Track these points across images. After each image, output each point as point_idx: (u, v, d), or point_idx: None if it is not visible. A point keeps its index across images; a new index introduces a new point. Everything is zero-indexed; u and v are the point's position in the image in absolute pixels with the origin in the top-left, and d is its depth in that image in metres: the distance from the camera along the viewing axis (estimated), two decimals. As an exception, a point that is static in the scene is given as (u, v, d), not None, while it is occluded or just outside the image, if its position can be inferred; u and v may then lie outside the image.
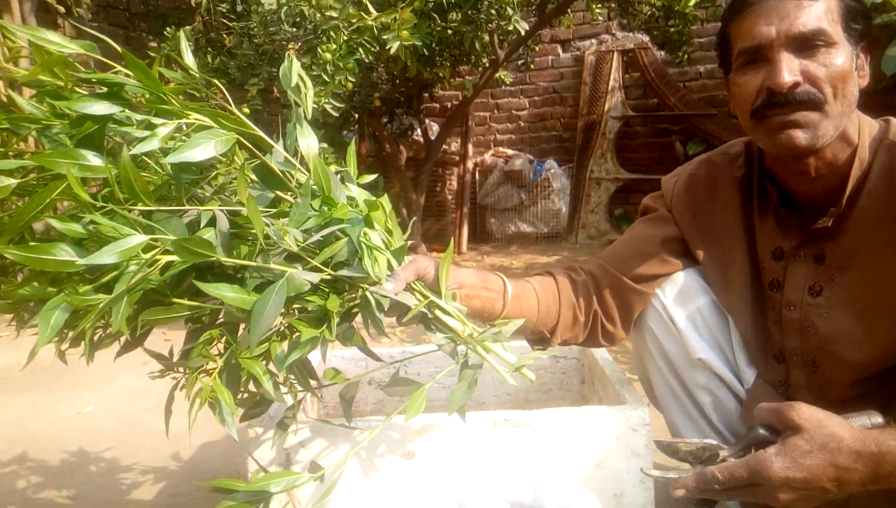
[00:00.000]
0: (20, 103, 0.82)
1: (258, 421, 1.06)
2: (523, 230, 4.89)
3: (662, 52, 4.60)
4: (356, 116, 3.71)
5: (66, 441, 1.80)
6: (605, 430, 1.04)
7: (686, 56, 3.95)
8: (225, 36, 2.78)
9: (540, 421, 1.05)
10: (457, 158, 5.11)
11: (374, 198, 0.92)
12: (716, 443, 0.80)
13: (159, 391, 2.15)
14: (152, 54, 2.61)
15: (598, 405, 1.18)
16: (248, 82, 2.51)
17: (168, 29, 2.67)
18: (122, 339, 0.83)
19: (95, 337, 0.81)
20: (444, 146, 4.68)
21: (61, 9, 3.29)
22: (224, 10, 2.75)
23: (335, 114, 2.11)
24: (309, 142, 0.92)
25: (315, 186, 0.88)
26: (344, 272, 0.84)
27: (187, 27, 2.62)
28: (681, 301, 1.03)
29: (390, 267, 0.89)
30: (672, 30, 3.85)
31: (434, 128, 4.90)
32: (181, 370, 0.88)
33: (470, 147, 4.97)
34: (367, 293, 0.85)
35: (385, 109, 3.95)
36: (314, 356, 1.26)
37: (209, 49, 2.63)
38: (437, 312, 0.92)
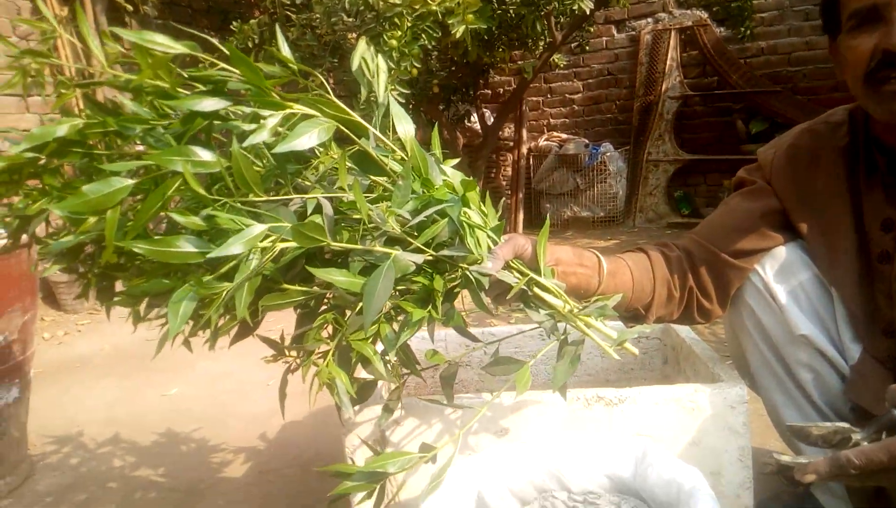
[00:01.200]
0: (127, 106, 0.85)
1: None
2: (579, 215, 4.84)
3: (722, 29, 4.47)
4: (412, 103, 3.73)
5: (154, 423, 1.88)
6: (701, 407, 1.03)
7: (749, 31, 3.82)
8: (288, 28, 2.82)
9: (633, 399, 1.05)
10: (511, 143, 5.09)
11: (468, 178, 0.93)
12: (848, 426, 0.77)
13: (238, 374, 2.22)
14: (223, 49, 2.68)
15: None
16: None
17: (234, 23, 2.73)
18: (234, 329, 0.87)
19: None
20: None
21: (129, 7, 3.40)
22: (286, 3, 2.79)
23: (402, 101, 2.13)
24: (405, 126, 0.93)
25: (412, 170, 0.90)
26: (447, 252, 0.85)
27: (253, 21, 2.67)
28: (782, 276, 1.01)
29: (488, 246, 0.90)
30: (733, 4, 3.73)
31: (487, 114, 4.89)
32: (292, 354, 0.91)
33: (524, 132, 4.93)
34: (468, 273, 0.86)
35: (443, 95, 3.96)
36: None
37: (273, 42, 2.69)
38: (537, 289, 0.92)
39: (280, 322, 0.94)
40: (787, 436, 1.12)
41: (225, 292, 0.77)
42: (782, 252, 1.02)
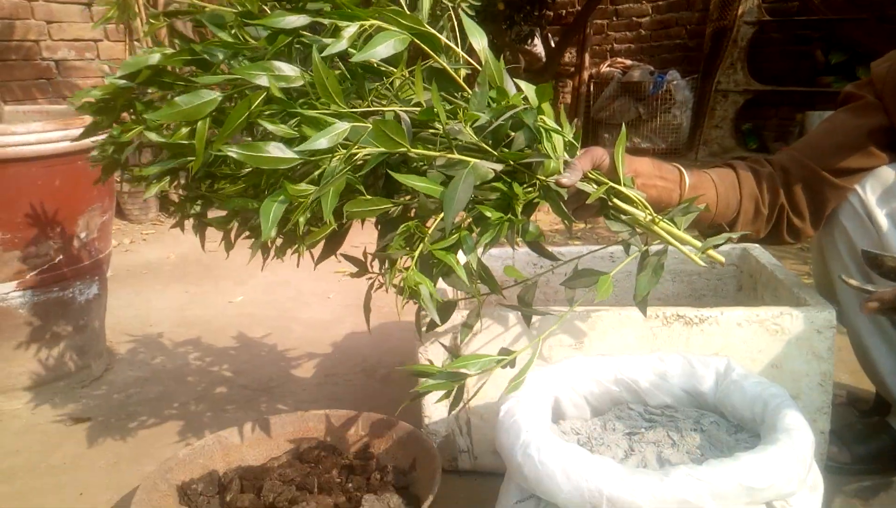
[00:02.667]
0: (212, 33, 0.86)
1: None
2: (640, 146, 4.69)
3: (809, -52, 4.16)
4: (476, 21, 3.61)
5: (224, 326, 1.95)
6: (786, 330, 1.01)
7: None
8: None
9: (715, 319, 1.03)
10: (571, 69, 4.91)
11: (543, 85, 0.90)
12: None
13: (297, 285, 2.28)
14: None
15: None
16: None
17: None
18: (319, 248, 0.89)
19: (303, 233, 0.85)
20: (558, 56, 4.49)
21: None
22: None
23: (471, 13, 2.05)
24: (478, 38, 0.91)
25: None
26: (526, 159, 0.83)
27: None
28: (884, 198, 0.96)
29: (566, 159, 0.87)
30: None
31: (549, 37, 4.71)
32: (375, 269, 0.92)
33: (587, 57, 4.75)
34: (548, 183, 0.85)
35: (507, 13, 3.81)
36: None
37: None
38: (616, 200, 0.90)
39: (356, 246, 0.95)
40: (869, 319, 1.07)
41: (312, 195, 0.77)
42: (886, 173, 0.97)
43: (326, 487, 0.97)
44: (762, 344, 1.02)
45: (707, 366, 0.94)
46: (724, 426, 0.89)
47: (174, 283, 2.42)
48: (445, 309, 1.01)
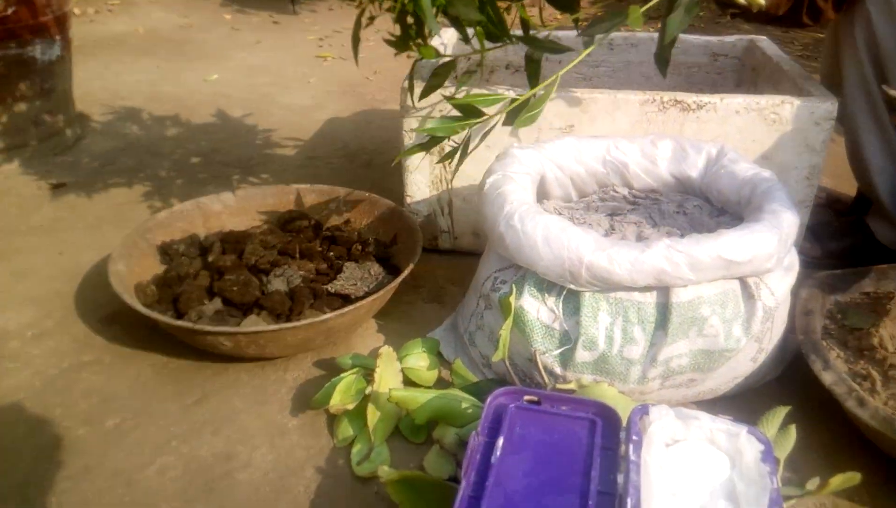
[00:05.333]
0: None
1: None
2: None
3: None
4: None
5: (198, 104, 1.86)
6: (784, 120, 0.98)
7: None
8: None
9: (713, 105, 0.99)
10: None
11: None
12: None
13: (276, 69, 2.17)
14: None
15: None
16: None
17: None
18: None
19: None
20: None
21: None
22: None
23: None
24: None
25: None
26: None
27: None
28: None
29: None
30: None
31: None
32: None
33: None
34: None
35: None
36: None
37: None
38: None
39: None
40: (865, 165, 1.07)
41: None
42: None
43: (308, 254, 0.98)
44: (757, 133, 0.99)
45: (699, 151, 0.91)
46: (706, 209, 0.89)
47: (144, 57, 2.27)
48: (443, 69, 0.94)
